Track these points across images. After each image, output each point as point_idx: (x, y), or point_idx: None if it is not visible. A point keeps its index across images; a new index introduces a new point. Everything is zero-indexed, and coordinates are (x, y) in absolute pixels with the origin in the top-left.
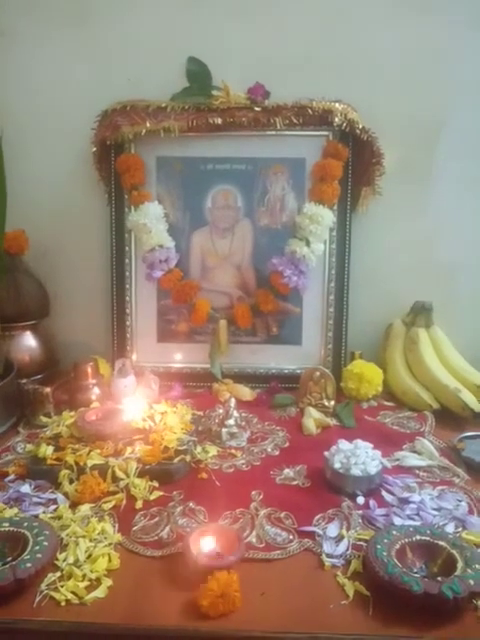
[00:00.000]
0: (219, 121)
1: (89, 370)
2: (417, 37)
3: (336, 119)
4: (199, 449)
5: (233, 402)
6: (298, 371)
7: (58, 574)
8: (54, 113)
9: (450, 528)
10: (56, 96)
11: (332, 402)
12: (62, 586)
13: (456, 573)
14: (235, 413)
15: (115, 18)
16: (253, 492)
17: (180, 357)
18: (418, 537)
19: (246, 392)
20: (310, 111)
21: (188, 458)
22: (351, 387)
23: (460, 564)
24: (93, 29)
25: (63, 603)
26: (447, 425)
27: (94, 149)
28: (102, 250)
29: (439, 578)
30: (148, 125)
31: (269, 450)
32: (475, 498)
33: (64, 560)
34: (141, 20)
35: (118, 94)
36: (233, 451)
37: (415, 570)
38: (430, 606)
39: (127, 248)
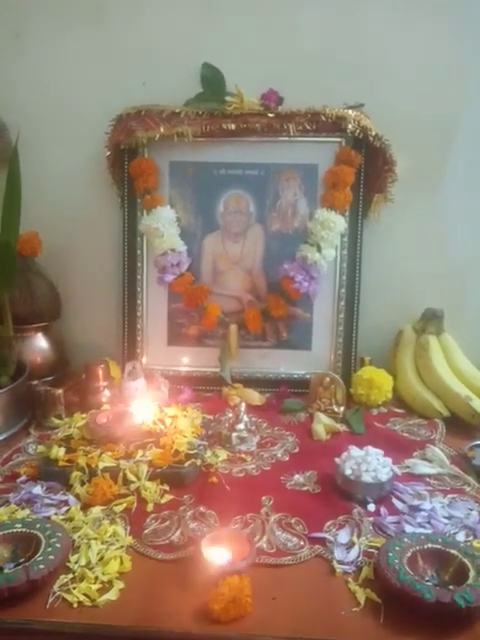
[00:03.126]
0: (232, 127)
1: (100, 372)
2: (430, 41)
3: (349, 126)
4: (209, 453)
5: (243, 406)
6: (308, 376)
7: (70, 576)
8: (69, 116)
9: (461, 537)
10: (71, 99)
11: (342, 408)
12: (74, 588)
13: (468, 582)
14: (245, 417)
15: (130, 22)
16: (263, 497)
17: (190, 361)
18: (430, 545)
19: (256, 397)
20: (323, 117)
21: (199, 462)
22: (361, 393)
23: (472, 573)
24: (108, 33)
25: (75, 605)
26: (457, 433)
27: (108, 153)
28: (114, 253)
29: (451, 587)
30: (162, 130)
31: (279, 455)
32: None
33: (76, 562)
34: (156, 24)
35: (132, 98)
36: (243, 455)
37: (426, 578)
38: (442, 615)
39: (139, 251)
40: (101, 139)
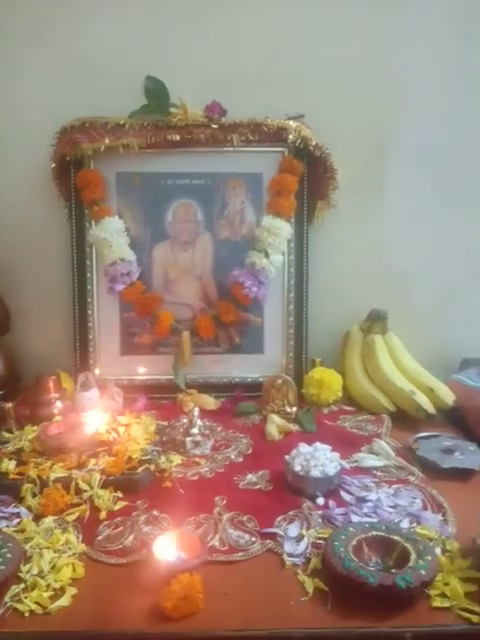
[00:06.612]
0: (177, 138)
1: (51, 384)
2: (366, 55)
3: (290, 136)
4: (163, 458)
5: (196, 411)
6: (261, 379)
7: (22, 586)
8: (13, 130)
9: (405, 524)
10: (15, 113)
11: (294, 408)
12: (26, 597)
13: (409, 564)
14: (199, 422)
15: (73, 36)
16: (216, 498)
17: (144, 369)
18: (374, 533)
19: (210, 401)
20: (265, 128)
21: (152, 467)
22: (312, 393)
23: (413, 556)
24: (52, 46)
25: (27, 614)
26: (403, 427)
27: (53, 165)
28: (63, 264)
29: (393, 570)
30: (107, 141)
31: (233, 457)
32: (429, 495)
33: (28, 571)
34: (99, 38)
35: (77, 111)
36: (197, 459)
37: (371, 564)
38: (385, 597)
39: (88, 262)
40: (47, 151)
